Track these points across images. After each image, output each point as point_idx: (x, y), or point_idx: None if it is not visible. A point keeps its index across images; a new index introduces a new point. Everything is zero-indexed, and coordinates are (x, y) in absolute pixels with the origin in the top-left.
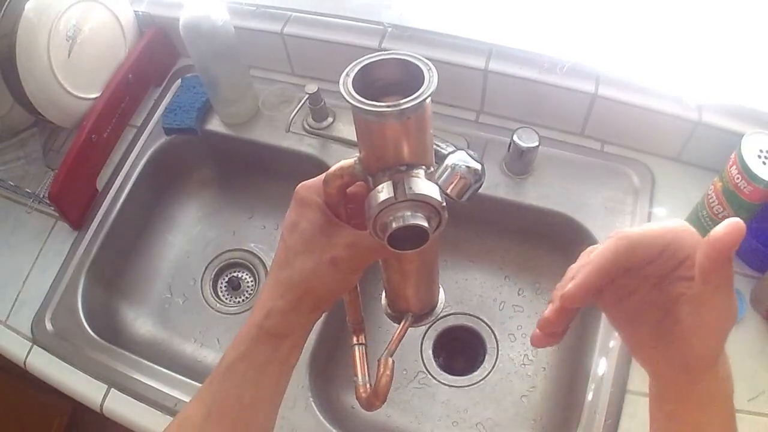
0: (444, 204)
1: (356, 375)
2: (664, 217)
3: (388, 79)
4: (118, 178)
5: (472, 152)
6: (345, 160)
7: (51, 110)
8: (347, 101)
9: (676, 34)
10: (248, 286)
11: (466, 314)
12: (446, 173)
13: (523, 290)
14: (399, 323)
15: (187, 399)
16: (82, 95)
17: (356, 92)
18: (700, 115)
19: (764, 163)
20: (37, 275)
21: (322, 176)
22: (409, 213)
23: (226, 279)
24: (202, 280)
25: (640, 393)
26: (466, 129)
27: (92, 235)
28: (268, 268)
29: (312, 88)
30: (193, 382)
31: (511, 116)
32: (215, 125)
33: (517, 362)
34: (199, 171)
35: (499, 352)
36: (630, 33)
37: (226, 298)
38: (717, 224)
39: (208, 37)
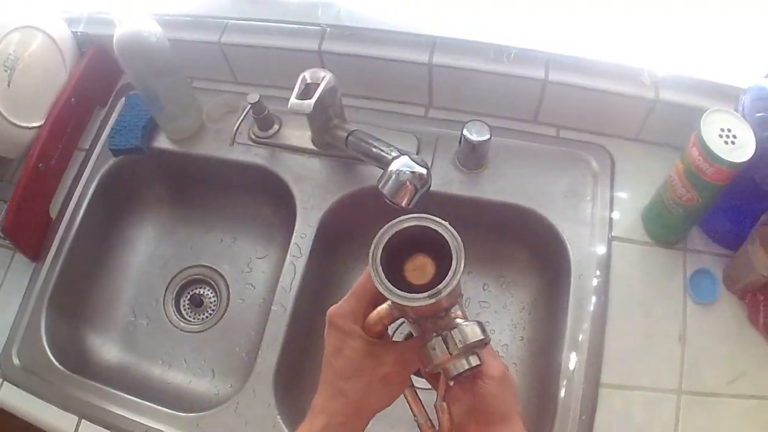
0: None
1: (416, 415)
2: (626, 202)
3: (408, 240)
4: (71, 204)
5: (416, 156)
6: (381, 306)
7: None
8: (382, 294)
9: (626, 8)
10: (211, 302)
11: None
12: (390, 180)
13: (488, 285)
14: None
15: (155, 425)
16: (25, 124)
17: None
18: (656, 92)
19: (726, 142)
20: (0, 310)
21: (352, 299)
22: (464, 360)
23: (188, 297)
24: (164, 299)
25: (614, 386)
26: (416, 125)
27: (50, 265)
28: (228, 283)
29: (254, 97)
30: (161, 408)
31: (461, 108)
32: (162, 142)
33: None
34: (151, 189)
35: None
36: (577, 12)
37: (190, 316)
38: (682, 208)
39: (142, 54)
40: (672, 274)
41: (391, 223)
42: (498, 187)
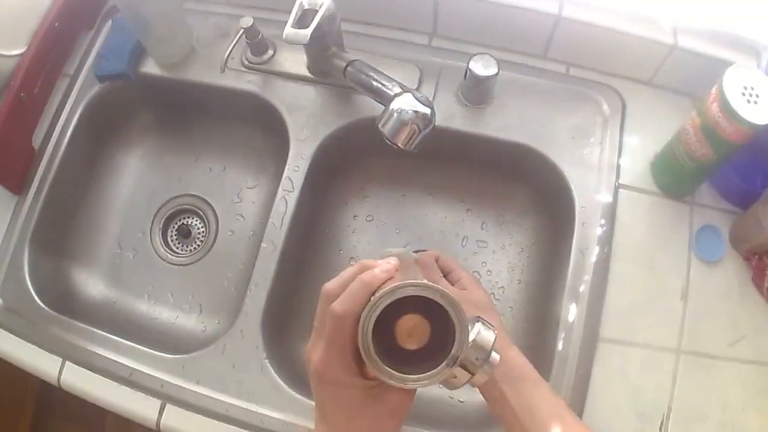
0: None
1: None
2: (636, 149)
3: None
4: (54, 133)
5: (420, 94)
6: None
7: None
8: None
9: None
10: (199, 233)
11: (425, 250)
12: (392, 120)
13: (486, 224)
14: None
15: (140, 367)
16: (5, 53)
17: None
18: (675, 38)
19: (749, 101)
20: None
21: (335, 350)
22: (486, 366)
23: (176, 227)
24: (151, 231)
25: (612, 341)
26: (418, 55)
27: (33, 198)
28: (217, 213)
29: (247, 21)
30: (146, 349)
31: (467, 39)
32: (149, 67)
33: None
34: (138, 117)
35: None
36: None
37: (178, 248)
38: (695, 163)
39: None
40: (678, 228)
41: (374, 304)
42: (502, 124)
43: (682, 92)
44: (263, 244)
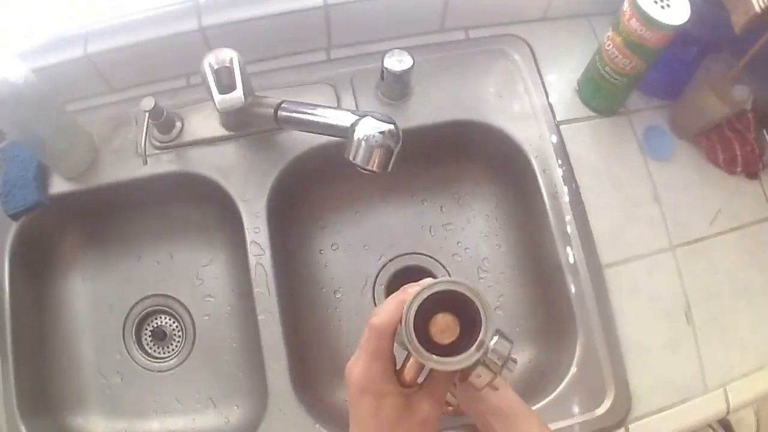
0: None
1: None
2: (558, 84)
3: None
4: None
5: (377, 113)
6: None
7: None
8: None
9: None
10: (174, 331)
11: (402, 255)
12: (362, 148)
13: (445, 206)
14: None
15: None
16: None
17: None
18: None
19: (662, 7)
20: None
21: (376, 362)
22: (506, 371)
23: (149, 334)
24: (126, 347)
25: (615, 264)
26: (324, 72)
27: (2, 370)
28: (184, 303)
29: (148, 103)
30: None
31: (364, 39)
32: (60, 185)
33: (473, 278)
34: (68, 238)
35: (452, 276)
36: None
37: (161, 353)
38: (626, 77)
39: (12, 102)
40: (625, 140)
41: (413, 297)
42: (431, 108)
43: (578, 16)
44: (260, 317)
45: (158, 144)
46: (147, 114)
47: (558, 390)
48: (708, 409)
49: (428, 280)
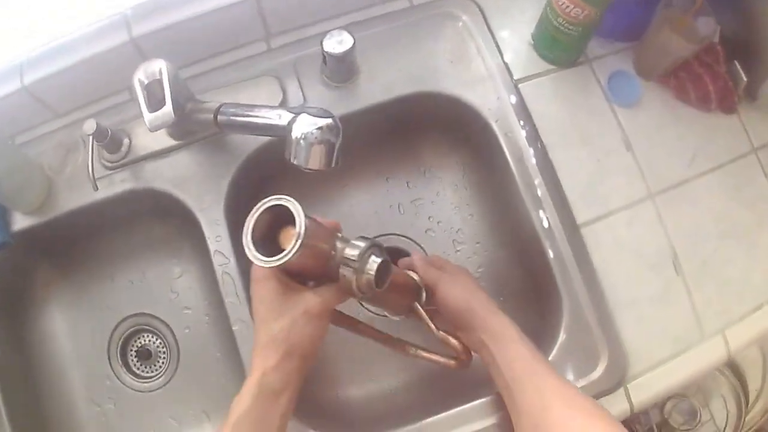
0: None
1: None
2: (511, 40)
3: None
4: None
5: (312, 108)
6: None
7: None
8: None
9: None
10: (158, 349)
11: (376, 236)
12: (301, 147)
13: (410, 181)
14: (414, 315)
15: None
16: None
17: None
18: None
19: None
20: None
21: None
22: (368, 266)
23: (134, 355)
24: (114, 372)
25: (592, 221)
26: (266, 63)
27: None
28: (164, 319)
29: (90, 126)
30: None
31: (301, 23)
32: (20, 221)
33: (450, 251)
34: (37, 273)
35: (428, 253)
36: None
37: (148, 373)
38: (581, 26)
39: None
40: (589, 90)
41: (252, 212)
42: (381, 85)
43: None
44: (235, 327)
45: (109, 164)
46: (91, 137)
47: (549, 359)
48: (708, 357)
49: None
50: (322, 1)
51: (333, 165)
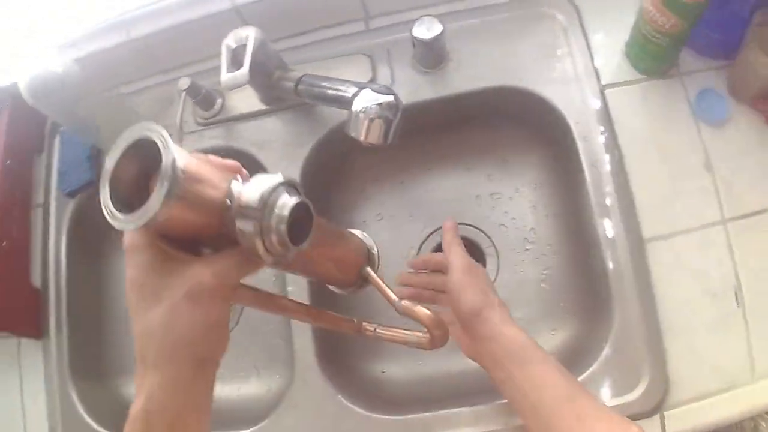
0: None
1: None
2: (605, 46)
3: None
4: (50, 266)
5: (377, 85)
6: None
7: None
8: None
9: None
10: None
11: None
12: (359, 121)
13: (492, 174)
14: (368, 284)
15: None
16: None
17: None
18: None
19: None
20: (30, 404)
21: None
22: (276, 212)
23: None
24: None
25: (658, 238)
26: (361, 42)
27: (56, 336)
28: None
29: (184, 82)
30: None
31: (402, 7)
32: None
33: (520, 249)
34: None
35: (498, 248)
36: None
37: None
38: (668, 37)
39: (55, 92)
40: (675, 104)
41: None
42: (468, 75)
43: None
44: (289, 288)
45: (201, 121)
46: (184, 92)
47: (589, 371)
48: (755, 400)
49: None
50: None
51: (388, 141)
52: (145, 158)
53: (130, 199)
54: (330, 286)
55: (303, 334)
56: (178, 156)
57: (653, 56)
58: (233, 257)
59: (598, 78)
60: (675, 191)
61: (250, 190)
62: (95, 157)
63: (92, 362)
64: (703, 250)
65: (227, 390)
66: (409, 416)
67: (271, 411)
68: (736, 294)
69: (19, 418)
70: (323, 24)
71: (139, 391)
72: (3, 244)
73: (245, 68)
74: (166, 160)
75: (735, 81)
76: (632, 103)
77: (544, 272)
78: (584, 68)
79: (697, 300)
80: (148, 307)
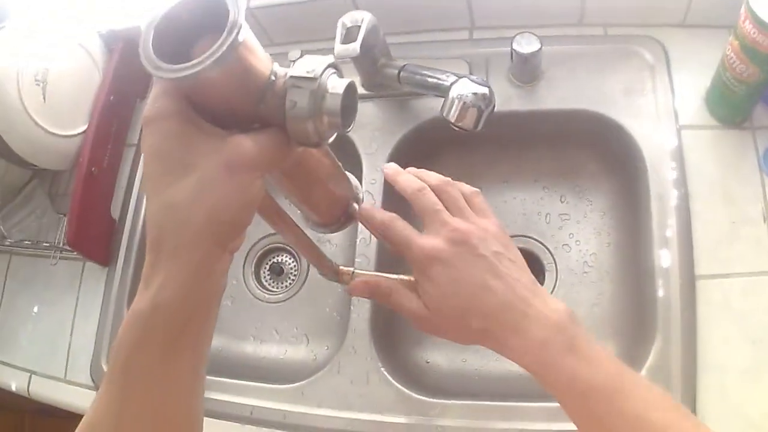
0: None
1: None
2: (687, 89)
3: (196, 22)
4: (131, 202)
5: (475, 77)
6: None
7: (42, 158)
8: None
9: None
10: (291, 269)
11: (514, 236)
12: (454, 105)
13: (565, 196)
14: (350, 222)
15: (260, 403)
16: (69, 133)
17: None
18: None
19: None
20: (82, 323)
21: (159, 90)
22: (336, 78)
23: (267, 267)
24: (243, 276)
25: (709, 276)
26: (463, 50)
27: (122, 267)
28: None
29: (295, 54)
30: (262, 385)
31: (506, 24)
32: None
33: (579, 272)
34: None
35: (558, 267)
36: None
37: (273, 287)
38: (745, 85)
39: None
40: (744, 155)
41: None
42: (557, 95)
43: (715, 26)
44: (357, 259)
45: None
46: (292, 63)
47: None
48: None
49: None
50: (526, 11)
51: (478, 128)
52: (199, 16)
53: (169, 53)
54: (309, 222)
55: (362, 306)
56: (244, 21)
57: (730, 104)
58: (276, 134)
59: (677, 118)
60: (732, 236)
61: (302, 65)
62: None
63: None
64: (751, 296)
65: (274, 351)
66: (445, 401)
67: (311, 373)
68: None
69: (67, 334)
70: (430, 27)
71: (145, 285)
72: (93, 170)
73: (357, 42)
74: (233, 16)
75: None
76: (705, 147)
77: (599, 296)
78: (665, 107)
79: (737, 342)
80: (174, 180)
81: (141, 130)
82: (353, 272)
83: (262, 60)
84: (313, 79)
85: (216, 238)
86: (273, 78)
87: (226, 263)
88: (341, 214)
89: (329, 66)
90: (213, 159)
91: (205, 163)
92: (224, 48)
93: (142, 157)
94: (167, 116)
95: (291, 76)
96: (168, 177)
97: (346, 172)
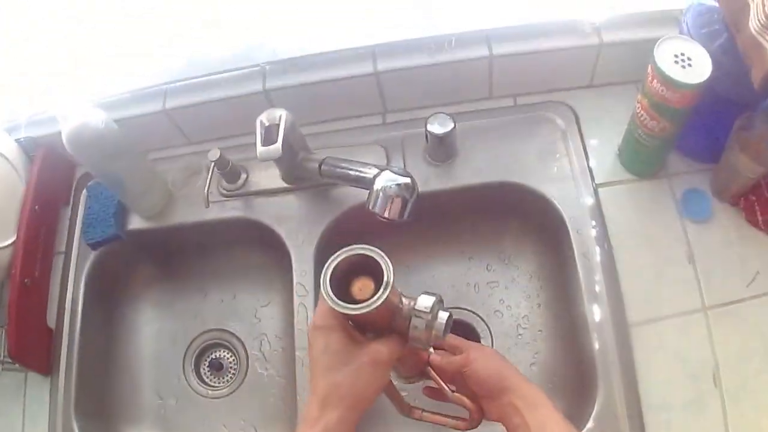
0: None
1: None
2: (600, 148)
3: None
4: (66, 309)
5: (395, 167)
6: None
7: None
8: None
9: None
10: (230, 363)
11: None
12: (379, 199)
13: (491, 265)
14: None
15: None
16: None
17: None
18: (599, 37)
19: (683, 66)
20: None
21: (322, 304)
22: (439, 320)
23: (207, 364)
24: (184, 373)
25: (642, 323)
26: (378, 134)
27: (65, 375)
28: (242, 339)
29: (214, 154)
30: None
31: (418, 105)
32: (136, 222)
33: (513, 335)
34: (140, 271)
35: (492, 333)
36: None
37: (215, 382)
38: (657, 139)
39: (94, 144)
40: (663, 203)
41: (333, 256)
42: (474, 170)
43: (622, 82)
44: (297, 353)
45: (225, 192)
46: (213, 163)
47: None
48: None
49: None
50: (436, 91)
51: (404, 218)
52: (354, 264)
53: (335, 289)
54: (400, 378)
55: (306, 391)
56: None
57: (643, 158)
58: (398, 341)
59: (593, 177)
60: (660, 281)
61: (422, 301)
62: (120, 214)
63: (96, 404)
64: (684, 335)
65: None
66: None
67: None
68: (713, 375)
69: None
70: (344, 115)
71: (312, 422)
72: (26, 281)
73: (279, 143)
74: (388, 277)
75: (716, 180)
76: (623, 201)
77: (535, 355)
78: (580, 168)
79: (677, 380)
80: (338, 367)
81: (310, 331)
82: (422, 411)
83: (396, 295)
84: (428, 313)
85: (361, 404)
86: (400, 305)
87: (360, 418)
88: (421, 370)
89: (437, 302)
90: (363, 358)
91: (358, 360)
92: (381, 299)
93: (309, 348)
94: (334, 329)
95: (414, 308)
96: (335, 365)
97: None
